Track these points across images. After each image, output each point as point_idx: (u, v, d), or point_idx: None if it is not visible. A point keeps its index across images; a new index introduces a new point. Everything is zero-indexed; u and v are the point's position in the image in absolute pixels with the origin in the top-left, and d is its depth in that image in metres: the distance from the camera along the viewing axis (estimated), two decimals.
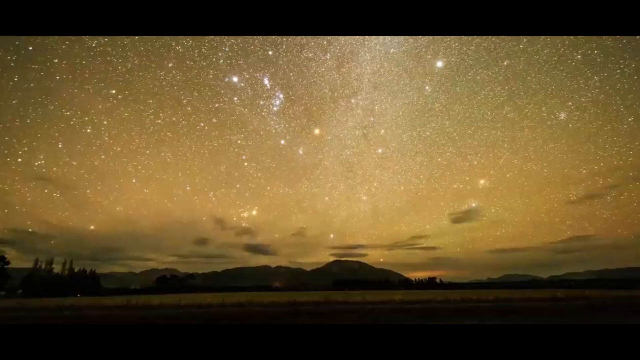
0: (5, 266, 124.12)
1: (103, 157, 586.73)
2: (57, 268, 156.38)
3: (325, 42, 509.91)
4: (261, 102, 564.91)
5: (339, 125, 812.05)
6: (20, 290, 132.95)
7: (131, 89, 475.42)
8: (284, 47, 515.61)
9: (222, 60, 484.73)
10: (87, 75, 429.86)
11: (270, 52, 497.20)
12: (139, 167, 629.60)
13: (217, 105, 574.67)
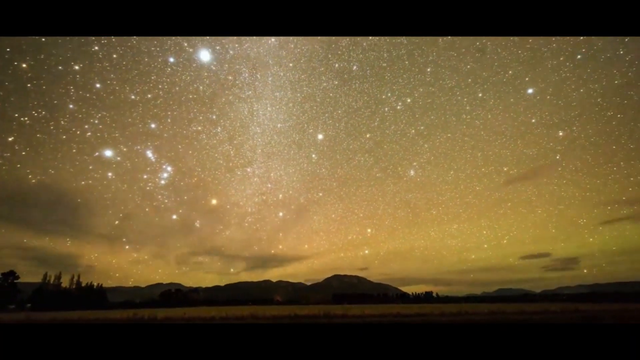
0: (15, 280, 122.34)
1: None
2: (65, 282, 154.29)
3: (214, 117, 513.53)
4: (145, 176, 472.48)
5: (237, 194, 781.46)
6: (29, 304, 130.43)
7: None
8: (168, 120, 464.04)
9: (89, 134, 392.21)
10: None
11: (152, 125, 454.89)
12: None
13: (83, 183, 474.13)
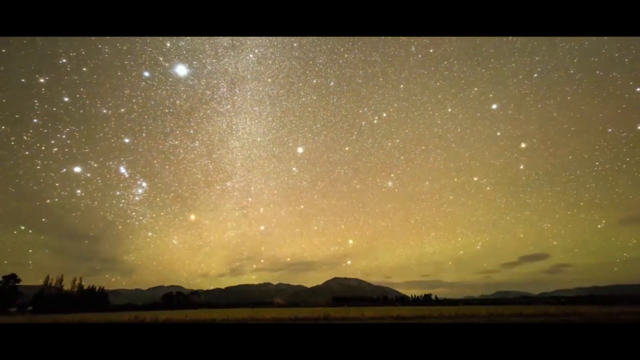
0: (16, 284, 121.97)
1: None
2: (67, 285, 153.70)
3: (192, 132, 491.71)
4: (117, 193, 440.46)
5: (216, 209, 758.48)
6: (31, 307, 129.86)
7: None
8: (143, 135, 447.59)
9: (56, 149, 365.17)
10: None
11: (126, 140, 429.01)
12: None
13: (48, 201, 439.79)
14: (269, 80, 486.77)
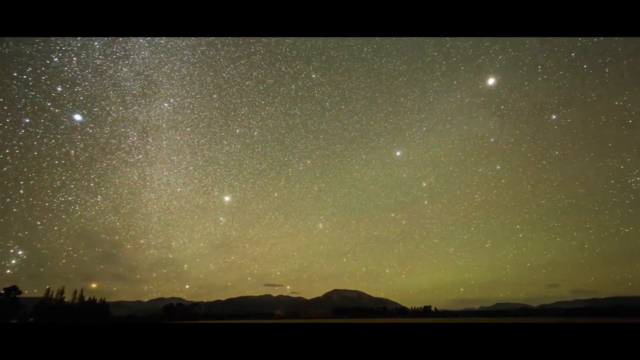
0: (18, 295, 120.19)
1: None
2: (67, 297, 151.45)
3: (92, 185, 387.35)
4: None
5: (128, 271, 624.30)
6: (32, 319, 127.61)
7: None
8: (21, 192, 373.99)
9: None
10: None
11: None
12: None
13: None
14: (188, 129, 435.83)
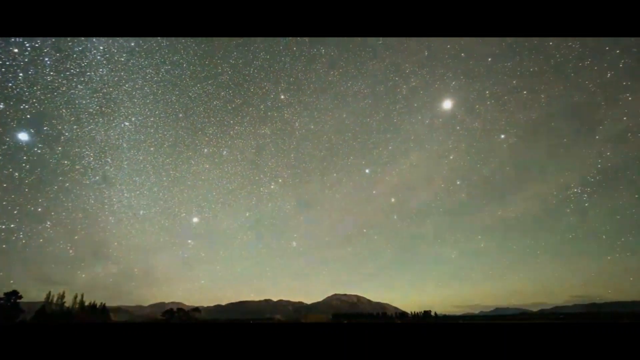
0: (18, 300, 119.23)
1: None
2: (68, 302, 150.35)
3: (40, 209, 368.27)
4: None
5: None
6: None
7: None
8: None
9: None
10: None
11: None
12: None
13: None
14: (152, 149, 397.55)
